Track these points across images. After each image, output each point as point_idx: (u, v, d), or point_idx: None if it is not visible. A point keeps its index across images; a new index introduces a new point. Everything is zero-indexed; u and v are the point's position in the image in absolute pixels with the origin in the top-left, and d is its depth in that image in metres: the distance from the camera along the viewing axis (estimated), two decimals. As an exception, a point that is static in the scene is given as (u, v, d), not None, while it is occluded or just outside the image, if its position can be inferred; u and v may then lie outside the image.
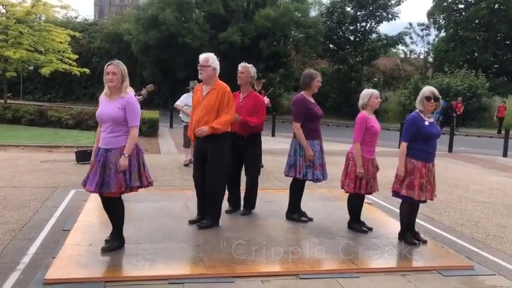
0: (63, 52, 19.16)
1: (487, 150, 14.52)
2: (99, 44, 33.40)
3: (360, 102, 5.05)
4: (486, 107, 25.51)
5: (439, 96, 4.67)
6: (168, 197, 6.23)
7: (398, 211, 4.98)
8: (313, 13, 29.98)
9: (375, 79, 30.54)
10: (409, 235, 4.81)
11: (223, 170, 4.94)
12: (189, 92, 9.00)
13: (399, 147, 4.81)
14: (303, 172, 5.13)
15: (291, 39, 28.94)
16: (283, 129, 17.10)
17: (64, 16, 32.13)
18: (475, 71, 26.69)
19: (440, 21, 35.50)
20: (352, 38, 30.45)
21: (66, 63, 19.12)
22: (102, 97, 4.17)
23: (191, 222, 5.07)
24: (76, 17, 36.56)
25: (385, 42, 30.62)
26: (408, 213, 4.79)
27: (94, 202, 5.42)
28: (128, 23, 30.29)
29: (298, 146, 5.17)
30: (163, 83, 30.33)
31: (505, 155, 13.21)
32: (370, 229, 5.14)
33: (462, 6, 34.00)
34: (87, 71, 19.69)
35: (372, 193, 5.14)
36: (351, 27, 30.11)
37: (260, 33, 25.97)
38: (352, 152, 4.96)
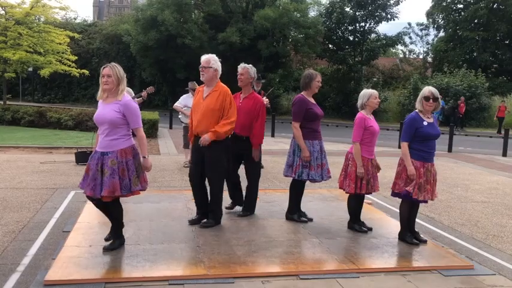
0: (63, 53, 19.17)
1: (487, 149, 14.53)
2: (98, 45, 33.44)
3: (359, 103, 5.06)
4: (485, 107, 25.52)
5: (438, 96, 4.67)
6: (168, 198, 6.23)
7: (398, 211, 4.99)
8: (312, 13, 30.01)
9: (374, 79, 30.55)
10: (409, 235, 4.81)
11: (222, 171, 4.98)
12: (188, 93, 9.00)
13: (399, 147, 4.82)
14: (298, 172, 5.14)
15: (290, 40, 28.96)
16: (282, 129, 17.11)
17: (63, 17, 32.22)
18: (474, 70, 26.70)
19: (439, 21, 35.52)
20: (351, 38, 30.44)
21: (65, 65, 19.14)
22: (100, 100, 4.16)
23: (191, 222, 5.08)
24: (75, 18, 36.70)
25: (384, 42, 30.61)
26: (408, 213, 4.80)
27: (94, 203, 5.42)
28: (127, 23, 30.33)
29: (297, 146, 5.18)
30: (163, 83, 30.37)
31: (504, 154, 13.22)
32: (370, 229, 5.14)
33: (461, 6, 34.01)
34: (86, 72, 19.70)
35: (371, 193, 5.14)
36: (350, 28, 30.10)
37: (259, 33, 25.99)
38: (352, 152, 4.96)
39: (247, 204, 5.59)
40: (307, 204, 5.73)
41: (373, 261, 4.29)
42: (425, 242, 4.82)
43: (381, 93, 25.18)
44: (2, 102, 18.50)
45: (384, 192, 6.85)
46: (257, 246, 4.50)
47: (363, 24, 29.82)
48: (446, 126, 15.68)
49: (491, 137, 18.03)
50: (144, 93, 8.32)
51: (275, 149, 11.60)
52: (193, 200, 5.25)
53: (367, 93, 5.02)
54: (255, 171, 5.53)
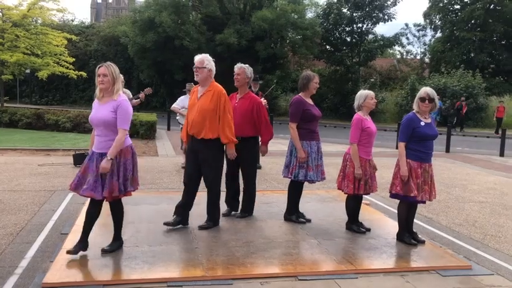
0: (60, 55, 19.15)
1: (484, 150, 14.58)
2: (96, 46, 33.42)
3: (356, 104, 5.06)
4: (483, 107, 25.60)
5: (434, 97, 4.67)
6: (166, 200, 6.22)
7: (396, 212, 5.00)
8: (309, 14, 30.06)
9: (372, 80, 30.59)
10: (407, 235, 4.82)
11: (218, 172, 4.95)
12: (186, 94, 9.01)
13: (396, 148, 4.83)
14: (294, 173, 5.15)
15: (287, 41, 29.00)
16: (280, 130, 17.09)
17: (60, 19, 32.22)
18: (471, 71, 26.77)
19: (437, 21, 35.63)
20: (348, 39, 30.50)
21: (63, 66, 19.11)
22: (95, 101, 4.14)
23: (166, 224, 4.91)
24: (72, 20, 36.75)
25: (382, 43, 30.69)
26: (406, 213, 4.80)
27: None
28: (125, 25, 30.31)
29: (294, 147, 5.19)
30: (161, 85, 30.37)
31: (501, 154, 13.26)
32: (368, 230, 5.15)
33: (458, 6, 34.13)
34: (84, 74, 19.69)
35: (369, 193, 5.15)
36: (347, 29, 30.15)
37: (257, 34, 26.01)
38: (350, 153, 4.97)
39: (245, 206, 5.57)
40: (305, 205, 5.74)
41: (372, 261, 4.29)
42: (423, 242, 4.83)
43: (378, 94, 25.29)
44: (-1, 105, 18.49)
45: (381, 192, 6.86)
46: (255, 247, 4.50)
47: (360, 25, 29.89)
48: (444, 127, 15.71)
49: (488, 137, 18.07)
50: (141, 95, 8.34)
51: (273, 150, 11.58)
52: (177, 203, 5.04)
53: (364, 94, 5.04)
54: (251, 171, 5.51)
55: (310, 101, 5.28)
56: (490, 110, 25.14)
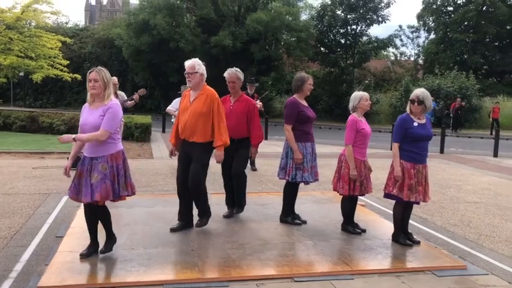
0: (54, 58, 19.05)
1: (478, 150, 14.66)
2: (90, 49, 33.32)
3: (350, 105, 5.08)
4: (476, 108, 25.75)
5: (424, 99, 4.66)
6: (161, 202, 6.21)
7: (392, 212, 5.02)
8: (304, 17, 30.13)
9: (366, 81, 30.76)
10: (402, 236, 4.84)
11: (203, 169, 4.84)
12: (181, 96, 8.98)
13: (391, 149, 4.85)
14: (292, 174, 5.16)
15: (282, 43, 29.07)
16: (275, 132, 17.13)
17: (54, 22, 31.91)
18: (465, 72, 26.94)
19: (430, 23, 35.89)
20: (343, 41, 30.62)
21: (57, 69, 19.02)
22: (85, 106, 4.09)
23: (172, 230, 4.93)
24: (67, 23, 36.48)
25: (376, 44, 30.80)
26: (401, 214, 4.82)
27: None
28: (119, 28, 30.27)
29: (289, 149, 5.19)
30: (155, 87, 30.32)
31: (495, 155, 13.34)
32: (364, 231, 5.16)
33: (451, 8, 34.40)
34: (78, 76, 19.59)
35: (364, 194, 5.17)
36: (341, 30, 30.27)
37: (252, 37, 26.04)
38: (345, 155, 4.99)
39: (238, 200, 5.55)
40: (300, 207, 5.75)
41: (367, 262, 4.31)
42: (418, 243, 4.85)
43: (372, 95, 25.35)
44: (-8, 108, 18.37)
45: (376, 193, 6.88)
46: (251, 249, 4.50)
47: (354, 27, 30.01)
48: (438, 128, 15.79)
49: (482, 137, 18.18)
50: (136, 96, 8.34)
51: (268, 151, 11.61)
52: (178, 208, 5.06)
53: (358, 96, 5.06)
54: (240, 165, 5.44)
55: (304, 103, 5.30)
56: (483, 111, 25.28)
